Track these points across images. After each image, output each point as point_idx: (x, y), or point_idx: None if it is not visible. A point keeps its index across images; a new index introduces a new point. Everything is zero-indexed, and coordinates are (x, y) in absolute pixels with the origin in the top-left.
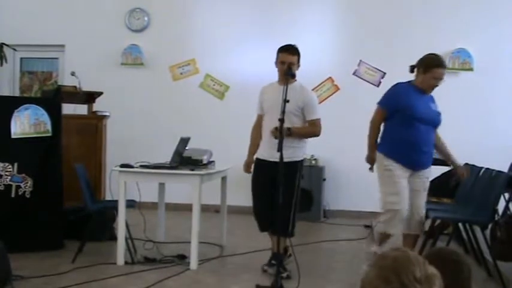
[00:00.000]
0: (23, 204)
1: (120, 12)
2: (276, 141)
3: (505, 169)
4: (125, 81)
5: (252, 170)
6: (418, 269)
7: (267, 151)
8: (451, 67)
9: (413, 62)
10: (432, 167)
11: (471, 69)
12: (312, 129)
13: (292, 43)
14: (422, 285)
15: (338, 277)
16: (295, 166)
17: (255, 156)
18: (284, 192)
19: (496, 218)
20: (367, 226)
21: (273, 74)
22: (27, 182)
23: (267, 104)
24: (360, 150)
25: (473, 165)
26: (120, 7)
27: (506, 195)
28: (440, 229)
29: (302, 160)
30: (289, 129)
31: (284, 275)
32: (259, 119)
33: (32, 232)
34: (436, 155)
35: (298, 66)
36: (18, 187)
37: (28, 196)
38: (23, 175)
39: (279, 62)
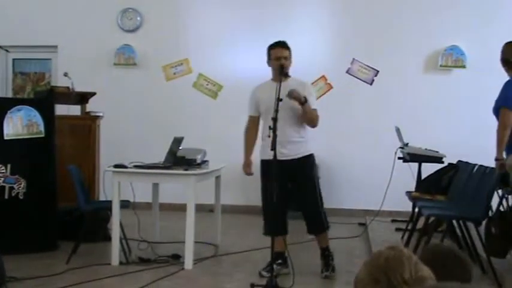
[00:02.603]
0: (16, 206)
1: (113, 12)
2: (282, 138)
3: None
4: (118, 82)
5: (252, 171)
6: (408, 271)
7: (271, 151)
8: (444, 64)
9: (407, 60)
10: (425, 164)
11: (464, 67)
12: (317, 114)
13: (285, 41)
14: (410, 287)
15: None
16: (308, 159)
17: (260, 159)
18: (303, 189)
19: (490, 215)
20: (361, 224)
21: (266, 72)
22: (20, 183)
23: (264, 104)
24: (353, 148)
25: (467, 162)
26: (112, 7)
27: (500, 191)
28: (435, 226)
29: (312, 154)
30: (305, 98)
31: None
32: (253, 121)
33: (26, 233)
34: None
35: (291, 62)
36: (11, 188)
37: (21, 197)
38: (16, 176)
39: (274, 58)
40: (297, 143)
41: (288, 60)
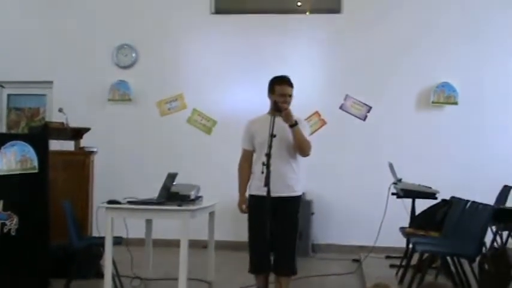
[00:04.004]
0: (8, 242)
1: (108, 48)
2: (273, 174)
3: (491, 202)
4: (113, 117)
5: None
6: None
7: (264, 187)
8: (436, 101)
9: (399, 96)
10: (418, 199)
11: (456, 103)
12: (308, 141)
13: (289, 77)
14: None
15: None
16: (295, 200)
17: (247, 194)
18: (284, 229)
19: (484, 251)
20: (355, 260)
21: (260, 107)
22: (12, 220)
23: (259, 138)
24: (346, 183)
25: (460, 199)
26: (108, 43)
27: (494, 228)
28: (429, 262)
29: (301, 195)
30: (296, 122)
31: None
32: (247, 155)
33: (18, 270)
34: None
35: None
36: (3, 225)
37: (13, 234)
38: (9, 212)
39: (279, 95)
40: (288, 180)
41: (291, 97)
